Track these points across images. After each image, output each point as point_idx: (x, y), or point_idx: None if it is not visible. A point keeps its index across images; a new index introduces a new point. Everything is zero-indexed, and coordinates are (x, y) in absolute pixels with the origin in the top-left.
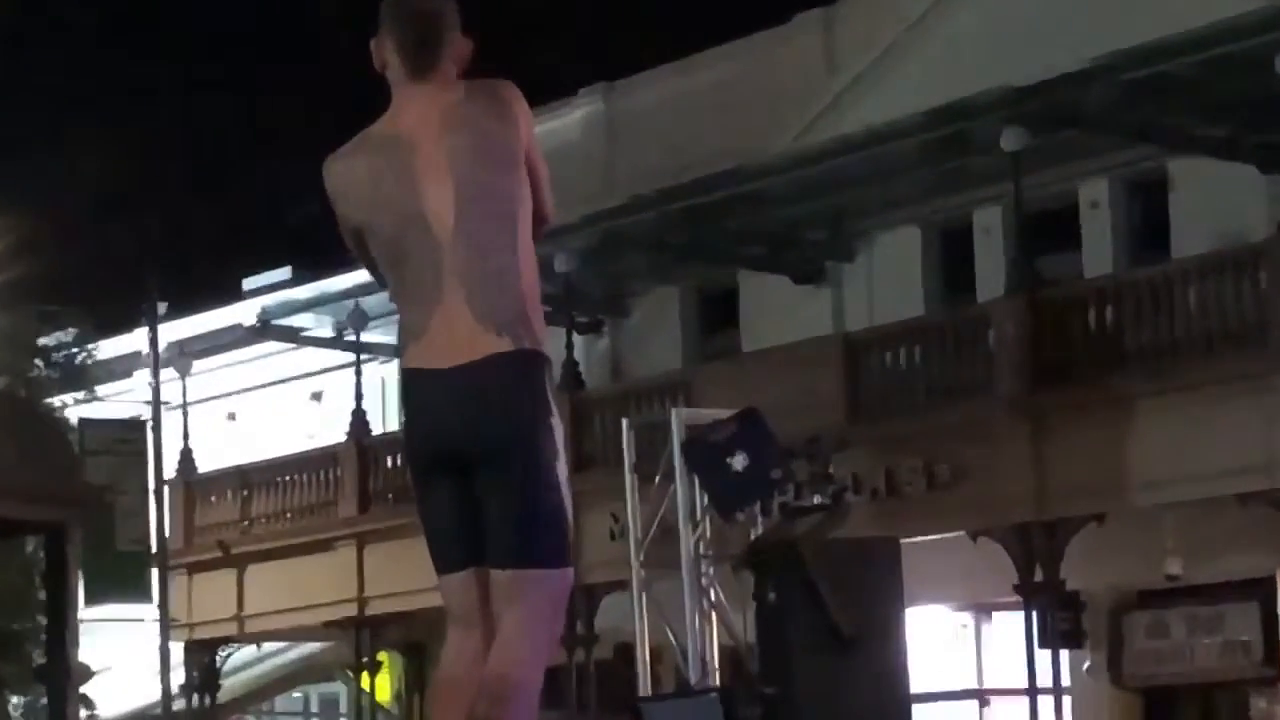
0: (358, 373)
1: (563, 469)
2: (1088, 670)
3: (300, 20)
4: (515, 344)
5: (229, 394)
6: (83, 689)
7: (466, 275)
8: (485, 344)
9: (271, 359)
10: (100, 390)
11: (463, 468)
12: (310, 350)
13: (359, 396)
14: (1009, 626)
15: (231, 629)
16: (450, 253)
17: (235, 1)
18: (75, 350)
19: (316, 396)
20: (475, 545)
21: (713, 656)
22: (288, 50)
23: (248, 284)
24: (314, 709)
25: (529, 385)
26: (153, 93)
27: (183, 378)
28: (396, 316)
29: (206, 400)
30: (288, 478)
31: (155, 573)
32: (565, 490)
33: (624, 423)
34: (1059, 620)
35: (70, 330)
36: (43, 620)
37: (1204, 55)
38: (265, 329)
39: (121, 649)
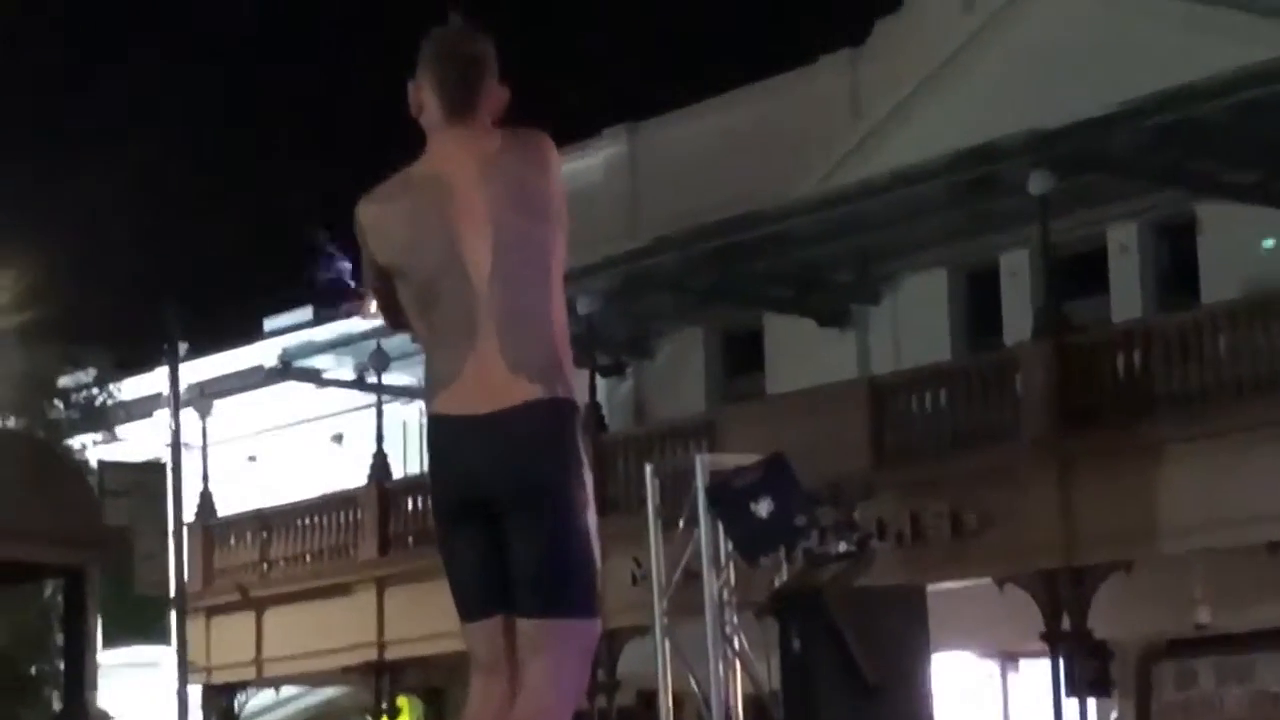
0: (379, 415)
1: (593, 518)
2: None
3: (334, 67)
4: (549, 392)
5: (249, 435)
6: None
7: (501, 322)
8: (518, 391)
9: (292, 400)
10: (120, 431)
11: (490, 514)
12: (331, 392)
13: (380, 439)
14: (1036, 675)
15: (250, 673)
16: (485, 299)
17: (248, 33)
18: (95, 391)
19: (337, 438)
20: (502, 593)
21: (736, 704)
22: (317, 98)
23: (269, 324)
24: None
25: (562, 434)
26: (175, 131)
27: (203, 419)
28: (418, 358)
29: (227, 441)
30: (307, 520)
31: (173, 615)
32: (594, 539)
33: (648, 468)
34: (1086, 669)
35: (90, 370)
36: (61, 664)
37: (1232, 99)
38: (286, 370)
39: (139, 692)
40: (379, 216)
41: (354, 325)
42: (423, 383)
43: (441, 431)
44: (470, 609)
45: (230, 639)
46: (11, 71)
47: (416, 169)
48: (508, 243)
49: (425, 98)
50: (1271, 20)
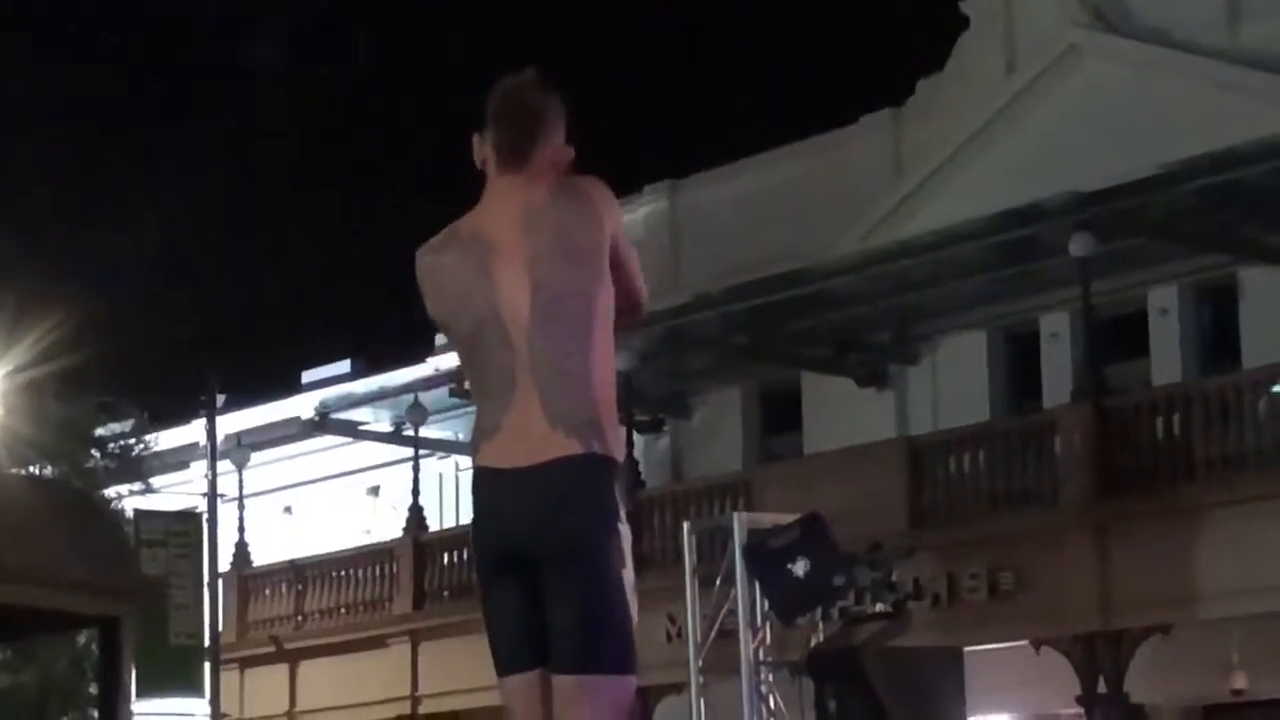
0: (415, 468)
1: (629, 575)
2: None
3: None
4: (585, 447)
5: (286, 487)
6: None
7: (540, 377)
8: (556, 446)
9: (329, 453)
10: (156, 482)
11: (529, 569)
12: (368, 445)
13: (416, 492)
14: None
15: None
16: (525, 354)
17: (296, 89)
18: (131, 441)
19: (374, 491)
20: (539, 648)
21: None
22: (354, 142)
23: (306, 377)
24: None
25: (598, 490)
26: (215, 183)
27: (239, 470)
28: (455, 413)
29: (263, 493)
30: (342, 573)
31: (207, 667)
32: (631, 596)
33: (685, 526)
34: None
35: (127, 421)
36: (94, 715)
37: (1275, 163)
38: (323, 423)
39: None
40: (431, 269)
41: (392, 378)
42: (459, 437)
43: (483, 484)
44: (507, 663)
45: (264, 691)
46: (56, 122)
47: (464, 221)
48: (548, 298)
49: (488, 150)
50: None
